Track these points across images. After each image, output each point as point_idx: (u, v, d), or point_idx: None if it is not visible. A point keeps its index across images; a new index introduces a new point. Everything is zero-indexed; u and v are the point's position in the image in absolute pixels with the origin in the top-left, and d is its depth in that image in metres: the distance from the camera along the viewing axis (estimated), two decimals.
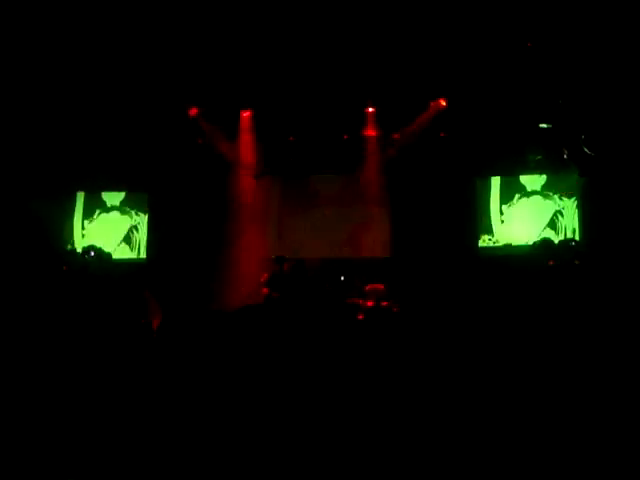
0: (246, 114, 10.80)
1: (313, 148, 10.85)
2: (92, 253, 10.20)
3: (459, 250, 10.55)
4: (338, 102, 10.18)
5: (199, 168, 11.02)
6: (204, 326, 8.91)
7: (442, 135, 10.61)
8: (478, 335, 8.04)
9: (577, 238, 10.09)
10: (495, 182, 10.79)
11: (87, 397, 5.64)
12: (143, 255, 11.11)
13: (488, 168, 10.73)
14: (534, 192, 10.62)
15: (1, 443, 4.49)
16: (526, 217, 10.62)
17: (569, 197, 10.33)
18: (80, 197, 11.22)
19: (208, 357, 7.56)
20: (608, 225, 9.42)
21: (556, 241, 10.16)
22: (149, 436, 4.78)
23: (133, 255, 11.14)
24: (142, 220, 11.22)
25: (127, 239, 11.18)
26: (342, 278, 10.12)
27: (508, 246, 10.57)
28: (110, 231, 11.18)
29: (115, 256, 10.82)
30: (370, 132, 10.75)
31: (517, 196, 10.69)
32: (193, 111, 10.65)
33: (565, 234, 10.27)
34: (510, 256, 10.34)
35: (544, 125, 9.76)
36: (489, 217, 10.77)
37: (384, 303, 9.29)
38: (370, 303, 9.27)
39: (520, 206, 10.66)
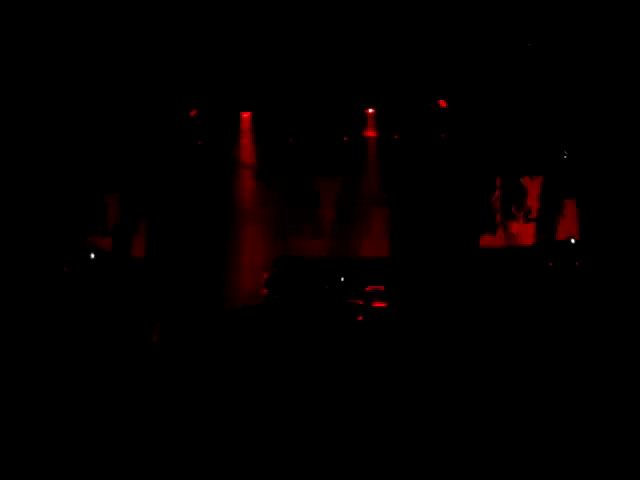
0: (246, 115, 10.82)
1: (313, 149, 10.86)
2: (93, 254, 10.22)
3: (459, 250, 10.52)
4: (338, 103, 10.24)
5: (199, 169, 11.03)
6: (205, 326, 8.98)
7: (442, 136, 10.62)
8: (478, 336, 8.09)
9: (577, 239, 10.05)
10: (496, 183, 10.78)
11: (88, 395, 5.75)
12: (144, 255, 11.09)
13: (488, 169, 10.71)
14: (534, 193, 10.62)
15: (1, 443, 4.51)
16: (527, 218, 10.63)
17: (569, 198, 10.31)
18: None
19: (209, 356, 7.64)
20: (608, 226, 9.39)
21: (556, 242, 10.21)
22: (150, 433, 4.82)
23: (134, 255, 11.16)
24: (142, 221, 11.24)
25: (127, 239, 11.20)
26: (342, 279, 10.13)
27: (508, 247, 10.57)
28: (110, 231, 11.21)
29: (116, 256, 10.83)
30: (370, 133, 10.78)
31: (517, 197, 10.68)
32: (194, 112, 10.68)
33: (565, 235, 10.25)
34: (510, 257, 10.35)
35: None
36: (489, 218, 10.76)
37: (384, 304, 9.34)
38: (370, 304, 9.32)
39: (520, 207, 10.66)
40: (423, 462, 4.23)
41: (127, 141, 10.59)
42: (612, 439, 4.40)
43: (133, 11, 8.94)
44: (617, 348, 6.96)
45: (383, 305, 9.31)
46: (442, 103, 10.37)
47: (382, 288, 9.50)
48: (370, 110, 10.63)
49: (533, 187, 10.64)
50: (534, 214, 10.59)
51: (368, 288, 9.51)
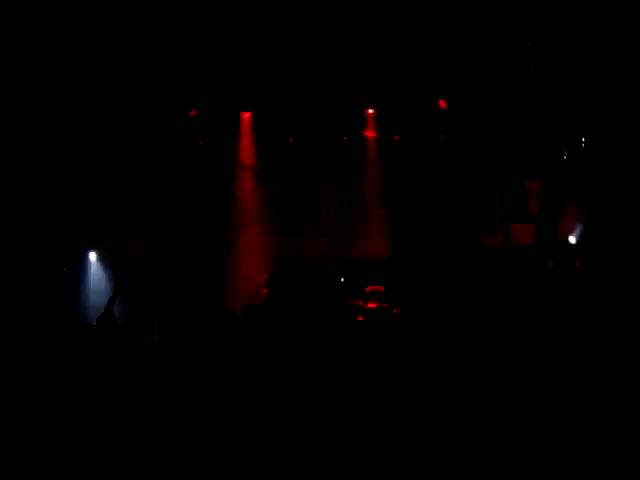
0: (246, 115, 10.86)
1: (313, 149, 10.89)
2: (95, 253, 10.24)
3: (459, 251, 10.55)
4: (338, 104, 10.28)
5: (199, 169, 11.03)
6: (205, 325, 8.99)
7: (442, 137, 10.68)
8: (478, 336, 8.08)
9: (577, 240, 10.11)
10: (496, 184, 10.79)
11: (90, 393, 5.78)
12: (145, 255, 11.11)
13: (488, 169, 10.72)
14: (534, 193, 10.64)
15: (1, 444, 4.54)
16: (527, 218, 10.67)
17: (569, 198, 10.33)
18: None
19: (209, 355, 7.63)
20: (607, 227, 9.42)
21: (556, 242, 10.21)
22: (150, 432, 4.85)
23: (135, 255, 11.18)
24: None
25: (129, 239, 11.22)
26: (342, 279, 10.14)
27: (508, 247, 10.60)
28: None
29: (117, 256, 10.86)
30: (370, 133, 10.83)
31: (517, 197, 10.71)
32: (194, 112, 10.70)
33: (565, 236, 10.28)
34: (510, 257, 10.34)
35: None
36: (490, 218, 10.79)
37: (384, 304, 9.35)
38: (370, 304, 9.33)
39: (520, 207, 10.70)
40: (421, 460, 4.26)
41: (128, 141, 10.57)
42: (611, 438, 4.42)
43: (135, 13, 8.94)
44: (616, 347, 6.89)
45: (383, 305, 9.32)
46: (442, 104, 10.42)
47: (382, 288, 9.52)
48: (370, 110, 10.70)
49: (533, 188, 10.67)
50: (534, 214, 10.62)
51: (368, 288, 9.52)
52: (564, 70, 9.53)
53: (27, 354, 7.21)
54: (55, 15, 8.78)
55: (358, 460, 4.32)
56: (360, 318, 9.07)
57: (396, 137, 10.87)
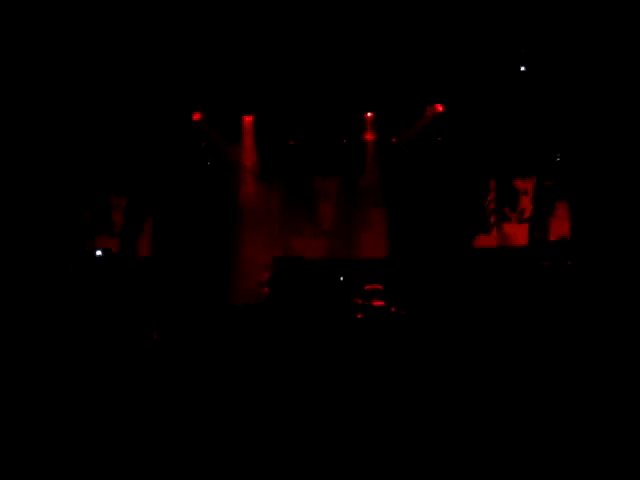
0: (248, 118, 10.94)
1: (314, 151, 11.00)
2: (100, 252, 10.35)
3: (455, 250, 10.69)
4: (338, 107, 10.37)
5: (202, 171, 11.19)
6: (207, 323, 9.12)
7: (439, 139, 10.81)
8: (474, 333, 8.25)
9: (570, 239, 10.22)
10: (490, 185, 10.96)
11: (92, 391, 5.83)
12: (148, 255, 11.25)
13: (483, 171, 10.88)
14: (528, 194, 10.79)
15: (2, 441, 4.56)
16: (520, 218, 10.79)
17: (562, 199, 10.46)
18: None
19: (211, 352, 7.70)
20: (600, 226, 9.58)
21: (550, 242, 10.36)
22: (152, 428, 4.87)
23: (140, 255, 11.30)
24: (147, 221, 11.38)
25: (133, 239, 11.33)
26: (341, 278, 10.25)
27: (502, 247, 10.73)
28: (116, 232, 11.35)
29: (121, 256, 10.99)
30: (369, 136, 10.93)
31: (511, 198, 10.83)
32: (197, 115, 10.79)
33: (558, 235, 10.41)
34: (505, 257, 10.51)
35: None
36: (484, 219, 10.92)
37: (382, 303, 9.43)
38: (369, 302, 9.42)
39: (514, 208, 10.82)
40: (420, 458, 4.27)
41: (133, 143, 10.73)
42: (605, 435, 4.47)
43: (140, 17, 8.95)
44: (609, 344, 7.06)
45: (381, 304, 9.40)
46: (438, 107, 10.54)
47: (380, 287, 9.59)
48: (369, 114, 10.79)
49: (526, 189, 10.77)
50: (527, 215, 10.72)
51: (367, 287, 9.60)
52: (557, 73, 9.64)
53: (33, 350, 7.32)
54: (62, 17, 8.85)
55: (358, 456, 4.32)
56: (359, 316, 9.19)
57: (394, 140, 11.01)
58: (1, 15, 8.52)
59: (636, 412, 4.89)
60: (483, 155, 10.69)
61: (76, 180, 10.81)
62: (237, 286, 10.49)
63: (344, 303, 9.47)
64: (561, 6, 8.81)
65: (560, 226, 10.44)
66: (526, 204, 10.77)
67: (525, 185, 10.81)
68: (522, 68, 9.77)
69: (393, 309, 9.36)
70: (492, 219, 10.91)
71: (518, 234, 10.72)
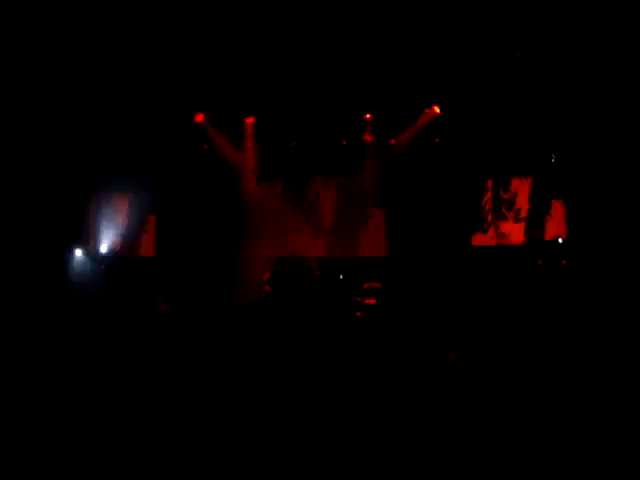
0: (250, 120, 11.03)
1: (314, 152, 11.09)
2: (103, 250, 10.44)
3: (453, 249, 10.78)
4: (337, 109, 10.46)
5: (205, 172, 11.27)
6: (210, 321, 9.22)
7: (436, 140, 10.92)
8: (471, 330, 8.36)
9: (564, 239, 10.30)
10: (487, 184, 11.06)
11: (93, 388, 5.92)
12: (152, 254, 11.39)
13: (480, 171, 10.98)
14: (524, 194, 10.87)
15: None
16: (517, 218, 10.89)
17: (557, 199, 10.56)
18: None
19: (213, 348, 7.81)
20: (594, 226, 9.65)
21: (545, 241, 10.45)
22: (154, 422, 4.95)
23: (143, 254, 11.43)
24: (150, 221, 11.49)
25: (137, 239, 11.46)
26: (341, 276, 10.33)
27: (499, 246, 10.82)
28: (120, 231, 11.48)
29: (125, 255, 11.15)
30: (368, 137, 11.01)
31: (508, 198, 10.94)
32: (199, 117, 10.90)
33: (553, 235, 10.50)
34: (501, 255, 10.62)
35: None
36: (481, 218, 11.01)
37: (381, 300, 9.54)
38: (368, 300, 9.53)
39: (510, 208, 10.92)
40: (418, 456, 4.31)
41: (136, 144, 10.82)
42: (598, 432, 4.51)
43: (143, 20, 9.03)
44: (602, 341, 7.16)
45: (380, 302, 9.51)
46: (436, 109, 10.64)
47: (379, 285, 9.69)
48: (368, 116, 10.87)
49: (523, 188, 10.85)
50: (524, 214, 10.80)
51: (366, 285, 9.70)
52: (552, 74, 9.72)
53: (32, 350, 7.37)
54: (65, 20, 8.92)
55: (357, 454, 4.34)
56: (358, 314, 9.30)
57: (392, 141, 11.10)
58: (2, 15, 8.58)
59: (630, 407, 4.97)
60: (480, 155, 10.77)
61: (80, 179, 10.89)
62: (239, 285, 10.53)
63: (344, 301, 9.57)
64: (556, 8, 8.88)
65: (556, 225, 10.52)
66: (522, 203, 10.85)
67: (521, 185, 10.89)
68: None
69: (392, 307, 9.47)
70: (489, 218, 10.99)
71: (515, 233, 10.81)
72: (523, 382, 5.94)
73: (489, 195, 11.05)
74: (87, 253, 10.91)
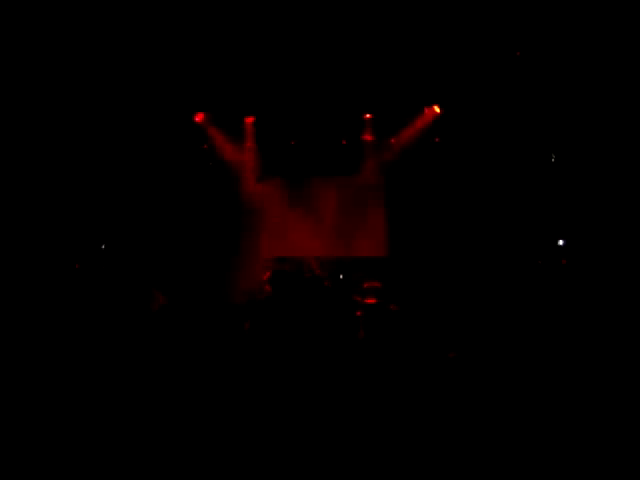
0: (250, 119, 11.06)
1: (314, 152, 11.14)
2: (103, 247, 10.45)
3: (452, 250, 10.81)
4: (337, 108, 10.50)
5: (204, 171, 11.34)
6: (209, 320, 9.21)
7: (436, 140, 10.96)
8: (471, 330, 8.36)
9: (564, 239, 10.30)
10: (486, 184, 10.96)
11: (94, 388, 5.89)
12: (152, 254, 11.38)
13: (480, 171, 10.96)
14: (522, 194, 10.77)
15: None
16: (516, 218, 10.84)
17: (556, 198, 10.51)
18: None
19: (212, 348, 7.81)
20: (593, 226, 9.66)
21: (544, 241, 10.43)
22: (154, 421, 4.97)
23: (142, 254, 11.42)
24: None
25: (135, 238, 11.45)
26: (341, 276, 10.39)
27: (499, 246, 10.81)
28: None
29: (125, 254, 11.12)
30: (367, 137, 11.04)
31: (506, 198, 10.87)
32: (199, 117, 10.92)
33: (552, 235, 10.46)
34: (501, 255, 10.60)
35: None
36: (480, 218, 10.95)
37: (381, 300, 9.48)
38: (367, 300, 9.51)
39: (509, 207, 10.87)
40: (418, 453, 4.35)
41: (136, 143, 10.86)
42: (597, 432, 4.55)
43: (142, 19, 9.02)
44: (602, 341, 7.11)
45: (380, 301, 9.45)
46: (436, 109, 10.67)
47: (379, 285, 9.67)
48: (368, 115, 10.91)
49: (521, 188, 10.73)
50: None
51: (366, 285, 9.67)
52: (551, 76, 9.74)
53: (37, 348, 7.33)
54: (64, 20, 8.90)
55: (357, 453, 4.36)
56: (358, 313, 9.20)
57: (392, 140, 11.15)
58: (1, 15, 8.60)
59: (630, 407, 4.99)
60: (480, 155, 10.79)
61: (80, 178, 10.91)
62: (238, 285, 10.52)
63: (343, 301, 9.53)
64: (557, 10, 8.89)
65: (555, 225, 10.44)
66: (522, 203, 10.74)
67: (520, 185, 10.76)
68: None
69: (392, 307, 9.48)
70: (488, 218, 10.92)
71: (514, 233, 10.71)
72: (523, 382, 5.94)
73: (488, 195, 10.96)
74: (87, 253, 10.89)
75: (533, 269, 10.16)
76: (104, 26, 9.12)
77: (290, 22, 9.05)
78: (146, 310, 9.37)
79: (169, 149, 11.08)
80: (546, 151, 10.49)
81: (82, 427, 4.83)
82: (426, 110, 10.75)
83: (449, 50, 9.54)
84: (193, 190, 11.25)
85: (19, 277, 9.48)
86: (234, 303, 9.93)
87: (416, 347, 7.79)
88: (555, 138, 10.30)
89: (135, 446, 4.53)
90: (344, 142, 11.18)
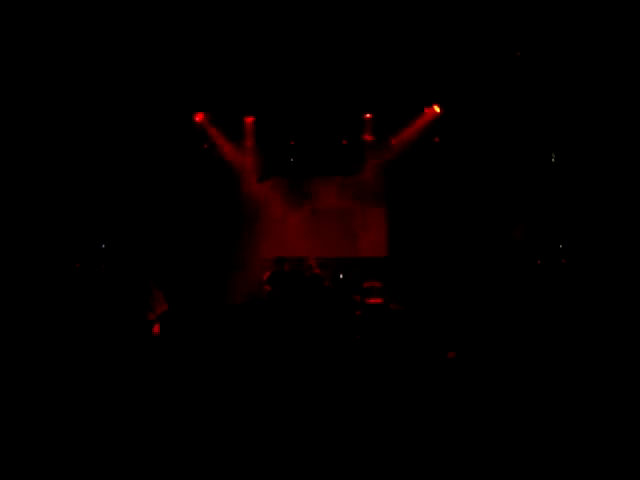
0: (249, 119, 11.05)
1: (314, 152, 11.14)
2: (103, 245, 10.45)
3: (452, 250, 10.80)
4: (337, 109, 10.49)
5: (204, 171, 11.31)
6: (208, 321, 9.22)
7: (436, 140, 10.94)
8: (471, 330, 8.37)
9: (564, 239, 10.26)
10: (486, 185, 10.95)
11: (96, 386, 5.92)
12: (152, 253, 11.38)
13: (479, 171, 10.95)
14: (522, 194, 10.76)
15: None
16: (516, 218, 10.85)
17: (555, 199, 10.50)
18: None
19: (212, 348, 7.81)
20: (593, 226, 9.67)
21: (544, 241, 10.41)
22: (155, 421, 4.98)
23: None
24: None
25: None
26: (341, 276, 10.34)
27: (499, 246, 10.80)
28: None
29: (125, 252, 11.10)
30: (368, 137, 11.04)
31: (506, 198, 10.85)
32: (199, 117, 10.92)
33: (552, 235, 10.44)
34: (501, 255, 10.58)
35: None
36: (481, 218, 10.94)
37: (380, 300, 9.60)
38: (368, 300, 9.58)
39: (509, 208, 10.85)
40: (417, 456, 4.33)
41: (136, 143, 10.82)
42: (597, 432, 4.56)
43: (143, 19, 9.04)
44: (602, 341, 7.18)
45: (380, 301, 9.56)
46: (436, 108, 10.66)
47: (379, 285, 9.75)
48: (368, 115, 10.90)
49: (521, 188, 10.73)
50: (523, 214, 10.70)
51: (366, 285, 9.77)
52: (551, 76, 9.75)
53: (39, 347, 7.42)
54: (64, 20, 8.94)
55: (357, 453, 4.36)
56: (358, 313, 9.29)
57: (393, 141, 11.14)
58: (2, 16, 8.61)
59: (630, 407, 5.01)
60: (479, 155, 10.78)
61: (80, 179, 10.90)
62: (238, 285, 10.60)
63: (343, 300, 9.56)
64: (556, 9, 8.90)
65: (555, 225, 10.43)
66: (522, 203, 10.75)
67: (521, 185, 10.76)
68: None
69: (392, 306, 9.48)
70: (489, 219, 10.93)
71: (514, 233, 10.71)
72: (523, 382, 5.95)
73: (488, 196, 10.96)
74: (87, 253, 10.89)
75: (533, 269, 10.13)
76: (105, 27, 9.14)
77: (290, 22, 9.07)
78: (146, 308, 9.39)
79: (169, 149, 11.06)
80: (546, 151, 10.48)
81: (82, 427, 4.85)
82: (426, 110, 10.75)
83: (449, 50, 9.55)
84: (193, 190, 11.24)
85: (19, 277, 9.48)
86: (234, 303, 10.00)
87: (416, 346, 7.84)
88: (555, 138, 10.31)
89: (135, 444, 4.54)
90: (344, 142, 11.18)
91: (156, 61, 9.83)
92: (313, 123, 10.76)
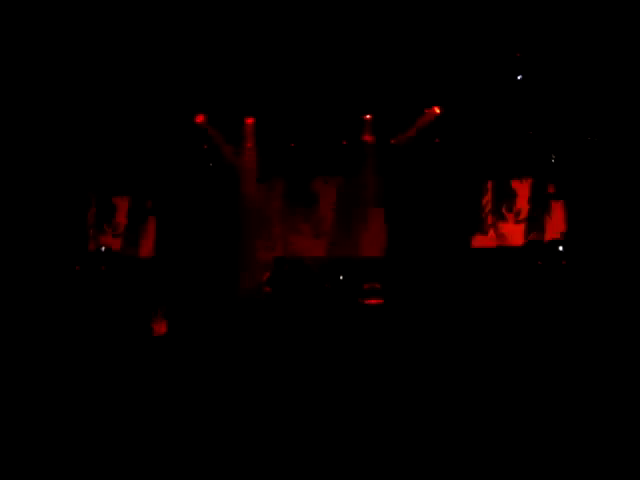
0: (250, 121, 11.07)
1: (313, 153, 11.15)
2: (103, 248, 10.48)
3: (452, 250, 10.79)
4: (337, 109, 10.51)
5: (205, 172, 11.35)
6: (209, 320, 9.23)
7: (436, 140, 10.94)
8: (470, 331, 8.35)
9: (564, 240, 10.29)
10: (487, 185, 11.08)
11: (96, 386, 5.92)
12: (152, 255, 11.43)
13: (480, 172, 10.99)
14: (524, 195, 10.89)
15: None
16: (517, 219, 10.91)
17: (557, 200, 10.57)
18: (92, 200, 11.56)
19: (212, 348, 7.78)
20: (594, 227, 9.70)
21: (544, 242, 10.43)
22: (157, 419, 4.97)
23: (143, 255, 11.47)
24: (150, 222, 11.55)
25: (136, 239, 11.48)
26: (341, 277, 10.37)
27: (499, 247, 10.83)
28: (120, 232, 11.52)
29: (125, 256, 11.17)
30: (368, 138, 11.04)
31: (508, 199, 10.96)
32: (199, 118, 10.94)
33: (553, 236, 10.49)
34: (501, 256, 10.61)
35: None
36: (481, 219, 11.03)
37: (380, 301, 9.59)
38: (368, 301, 9.57)
39: (510, 209, 10.94)
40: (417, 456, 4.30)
41: (136, 145, 10.90)
42: (597, 432, 4.53)
43: (144, 20, 9.05)
44: (602, 342, 7.12)
45: (379, 302, 9.55)
46: (436, 110, 10.65)
47: (378, 285, 9.74)
48: (367, 116, 10.91)
49: (523, 189, 10.86)
50: (524, 215, 10.82)
51: (366, 286, 9.75)
52: (552, 74, 9.74)
53: (39, 349, 7.38)
54: (67, 23, 8.96)
55: (357, 453, 4.34)
56: (358, 313, 9.32)
57: (392, 141, 11.12)
58: (3, 17, 8.63)
59: (630, 407, 4.98)
60: (480, 156, 10.80)
61: (80, 180, 10.94)
62: (238, 286, 10.62)
63: (343, 301, 9.61)
64: (557, 9, 8.89)
65: (556, 226, 10.52)
66: (522, 204, 10.87)
67: (521, 185, 10.91)
68: (519, 77, 9.82)
69: (392, 306, 9.48)
70: (489, 219, 11.01)
71: (515, 234, 10.82)
72: (523, 382, 5.93)
73: (489, 196, 11.06)
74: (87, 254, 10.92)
75: (533, 270, 10.14)
76: (105, 29, 9.17)
77: (290, 24, 9.07)
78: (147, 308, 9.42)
79: (169, 150, 11.10)
80: (546, 151, 10.49)
81: (82, 426, 4.85)
82: (426, 111, 10.73)
83: (449, 52, 9.55)
84: (193, 191, 11.27)
85: (20, 277, 9.50)
86: (234, 304, 10.01)
87: (415, 347, 7.77)
88: (555, 138, 10.33)
89: (136, 443, 4.55)
90: (344, 143, 11.19)
91: (157, 63, 9.85)
92: (313, 124, 10.77)
